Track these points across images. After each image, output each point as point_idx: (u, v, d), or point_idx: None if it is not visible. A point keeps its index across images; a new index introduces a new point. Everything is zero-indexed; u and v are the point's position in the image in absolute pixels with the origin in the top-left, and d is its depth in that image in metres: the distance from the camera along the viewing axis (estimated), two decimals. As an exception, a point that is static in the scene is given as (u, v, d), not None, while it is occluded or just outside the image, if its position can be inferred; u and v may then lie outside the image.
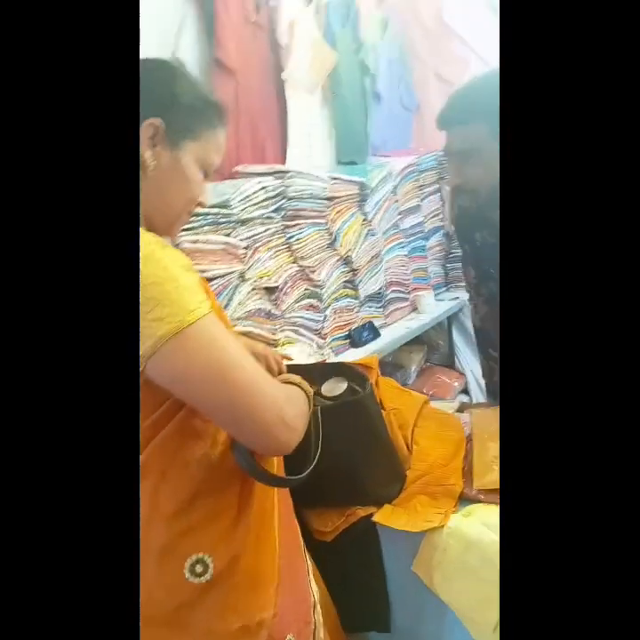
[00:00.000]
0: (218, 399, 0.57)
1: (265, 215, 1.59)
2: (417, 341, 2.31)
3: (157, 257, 0.55)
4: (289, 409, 0.62)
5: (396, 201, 2.17)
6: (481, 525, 0.88)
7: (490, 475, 0.96)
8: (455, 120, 1.04)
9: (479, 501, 0.95)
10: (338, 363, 1.03)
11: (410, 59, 2.55)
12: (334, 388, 0.93)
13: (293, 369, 0.93)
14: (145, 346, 0.53)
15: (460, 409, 1.33)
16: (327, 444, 0.75)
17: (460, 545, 0.89)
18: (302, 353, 1.61)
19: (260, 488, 0.70)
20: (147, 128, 0.63)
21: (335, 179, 1.84)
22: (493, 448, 1.03)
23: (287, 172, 1.67)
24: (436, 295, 2.39)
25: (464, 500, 0.96)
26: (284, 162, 1.93)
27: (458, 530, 0.90)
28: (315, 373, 0.94)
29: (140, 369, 0.55)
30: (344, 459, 0.87)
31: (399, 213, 2.19)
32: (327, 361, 1.36)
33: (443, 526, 0.90)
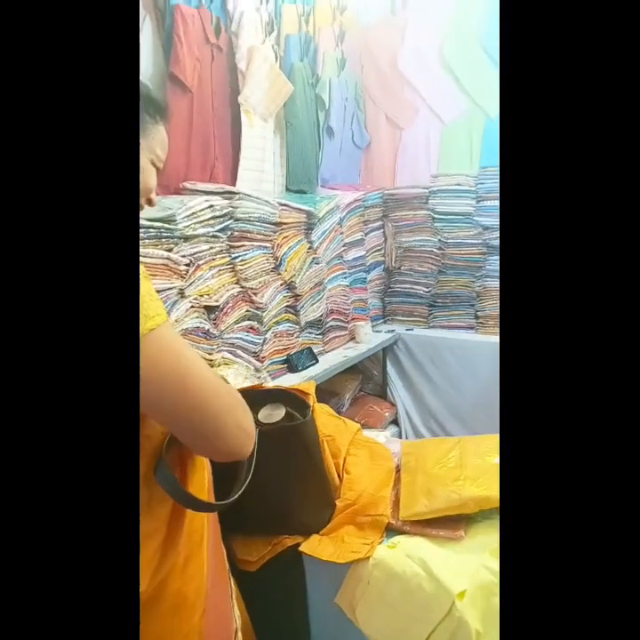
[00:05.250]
0: (177, 405, 0.56)
1: (210, 234, 1.58)
2: (352, 370, 2.34)
3: None
4: (245, 415, 0.63)
5: (342, 233, 2.22)
6: (405, 557, 0.89)
7: (416, 506, 0.97)
8: None
9: (405, 532, 0.96)
10: (279, 389, 1.01)
11: (363, 99, 2.66)
12: (272, 414, 0.92)
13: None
14: None
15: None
16: (260, 469, 0.73)
17: (383, 577, 0.89)
18: (238, 375, 1.59)
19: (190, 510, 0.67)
20: None
21: (284, 205, 1.87)
22: (421, 480, 1.05)
23: (236, 193, 1.67)
24: (373, 327, 2.45)
25: (390, 530, 0.97)
26: (233, 183, 1.93)
27: (383, 562, 0.90)
28: (253, 398, 0.92)
29: None
30: (276, 485, 0.86)
31: (343, 245, 2.24)
32: (264, 384, 1.34)
33: (368, 558, 0.90)
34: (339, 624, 0.93)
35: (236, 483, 0.70)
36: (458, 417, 2.37)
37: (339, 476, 1.05)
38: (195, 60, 1.71)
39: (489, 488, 0.98)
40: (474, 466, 1.06)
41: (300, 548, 0.92)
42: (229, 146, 1.92)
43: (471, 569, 0.85)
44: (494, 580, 0.82)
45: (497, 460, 1.06)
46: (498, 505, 0.95)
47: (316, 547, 0.92)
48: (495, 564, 0.84)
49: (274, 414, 0.89)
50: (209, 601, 0.69)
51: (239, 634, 0.79)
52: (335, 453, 1.08)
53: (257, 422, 0.89)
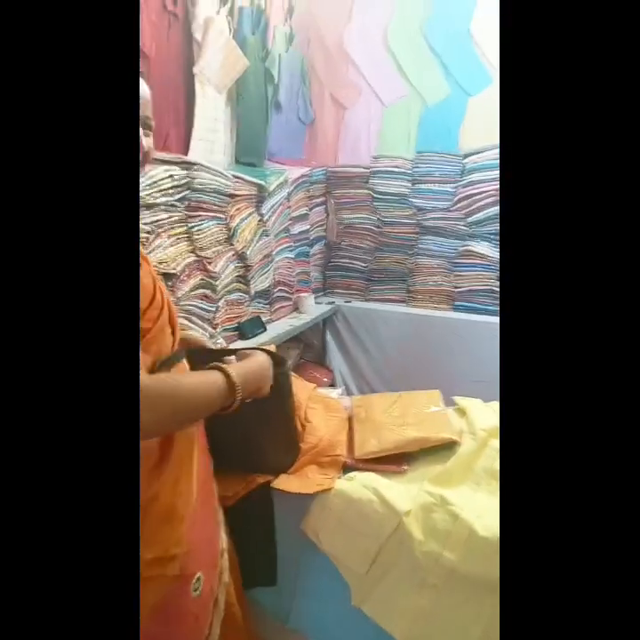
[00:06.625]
0: None
1: (169, 202, 1.63)
2: (294, 339, 2.49)
3: None
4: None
5: (289, 207, 2.33)
6: (361, 487, 1.07)
7: (368, 446, 1.15)
8: None
9: (358, 469, 1.13)
10: (258, 348, 1.13)
11: (309, 75, 2.74)
12: None
13: (211, 352, 1.02)
14: None
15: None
16: (245, 412, 0.84)
17: (342, 504, 1.06)
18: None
19: (179, 438, 0.77)
20: None
21: (237, 178, 1.94)
22: (371, 426, 1.23)
23: (194, 164, 1.73)
24: (314, 299, 2.60)
25: (346, 468, 1.14)
26: (185, 153, 1.96)
27: (342, 491, 1.07)
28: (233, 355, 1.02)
29: None
30: (255, 429, 0.99)
31: (290, 219, 2.35)
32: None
33: (330, 489, 1.07)
34: (302, 547, 1.10)
35: None
36: (385, 381, 2.59)
37: (301, 424, 1.20)
38: (153, 26, 1.71)
39: (426, 431, 1.18)
40: (413, 414, 1.26)
41: (273, 485, 1.07)
42: (183, 115, 1.94)
43: (413, 493, 1.05)
44: (432, 500, 1.02)
45: (433, 409, 1.27)
46: (433, 444, 1.16)
47: (284, 482, 1.07)
48: (432, 488, 1.04)
49: None
50: (197, 520, 0.80)
51: (225, 554, 0.92)
52: (297, 406, 1.23)
53: None
